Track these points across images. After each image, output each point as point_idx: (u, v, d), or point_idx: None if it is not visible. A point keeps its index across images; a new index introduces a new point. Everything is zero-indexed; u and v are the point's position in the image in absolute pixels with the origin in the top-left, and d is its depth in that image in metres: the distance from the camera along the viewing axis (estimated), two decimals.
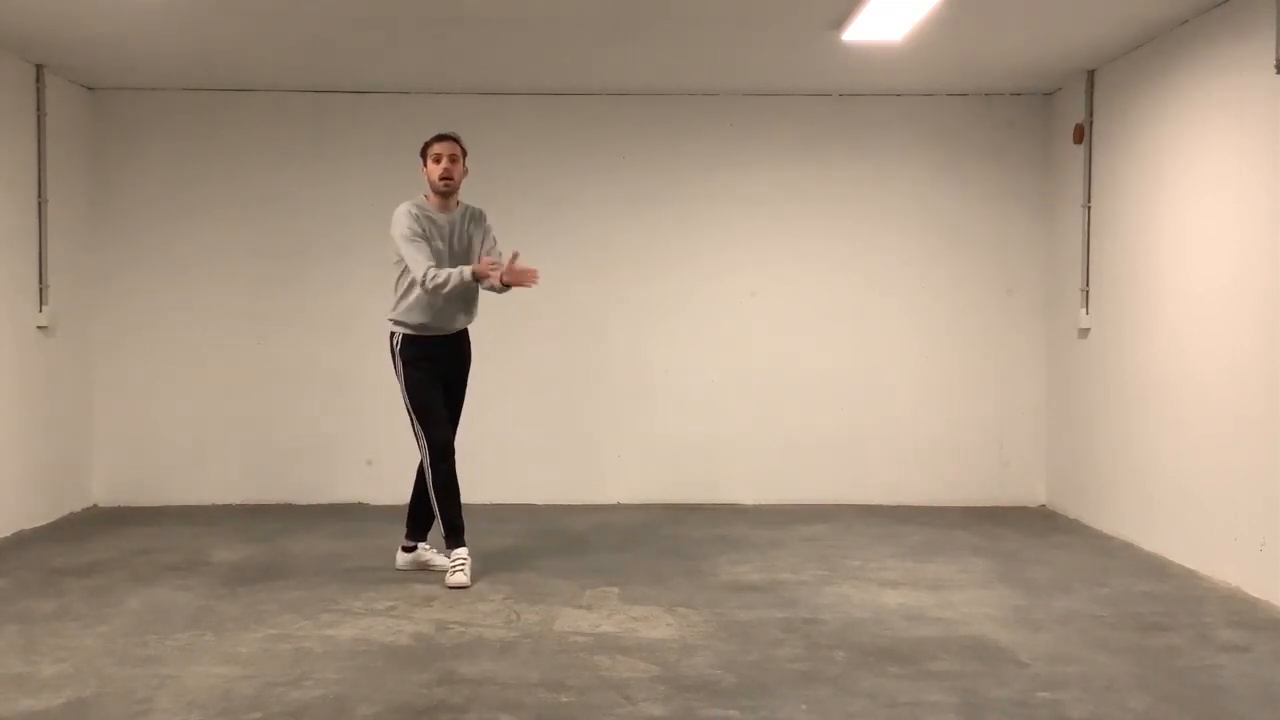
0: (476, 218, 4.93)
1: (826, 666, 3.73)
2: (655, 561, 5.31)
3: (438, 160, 4.80)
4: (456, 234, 4.86)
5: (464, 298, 4.88)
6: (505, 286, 4.72)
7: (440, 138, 4.86)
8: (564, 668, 3.71)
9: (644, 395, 6.94)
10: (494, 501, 6.46)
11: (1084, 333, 6.41)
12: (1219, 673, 3.71)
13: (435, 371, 4.91)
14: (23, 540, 5.80)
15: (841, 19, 5.32)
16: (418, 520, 5.10)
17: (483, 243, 4.90)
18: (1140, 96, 5.79)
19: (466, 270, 4.67)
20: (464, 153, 4.91)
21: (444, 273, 4.66)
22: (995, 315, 6.99)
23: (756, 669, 3.71)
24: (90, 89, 6.76)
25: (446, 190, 4.83)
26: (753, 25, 5.46)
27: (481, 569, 5.12)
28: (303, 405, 6.89)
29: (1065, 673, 3.69)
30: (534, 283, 4.71)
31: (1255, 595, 4.67)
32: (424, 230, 4.77)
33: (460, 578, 4.77)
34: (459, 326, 4.94)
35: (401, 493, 6.79)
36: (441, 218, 4.85)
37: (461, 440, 5.08)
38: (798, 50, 5.91)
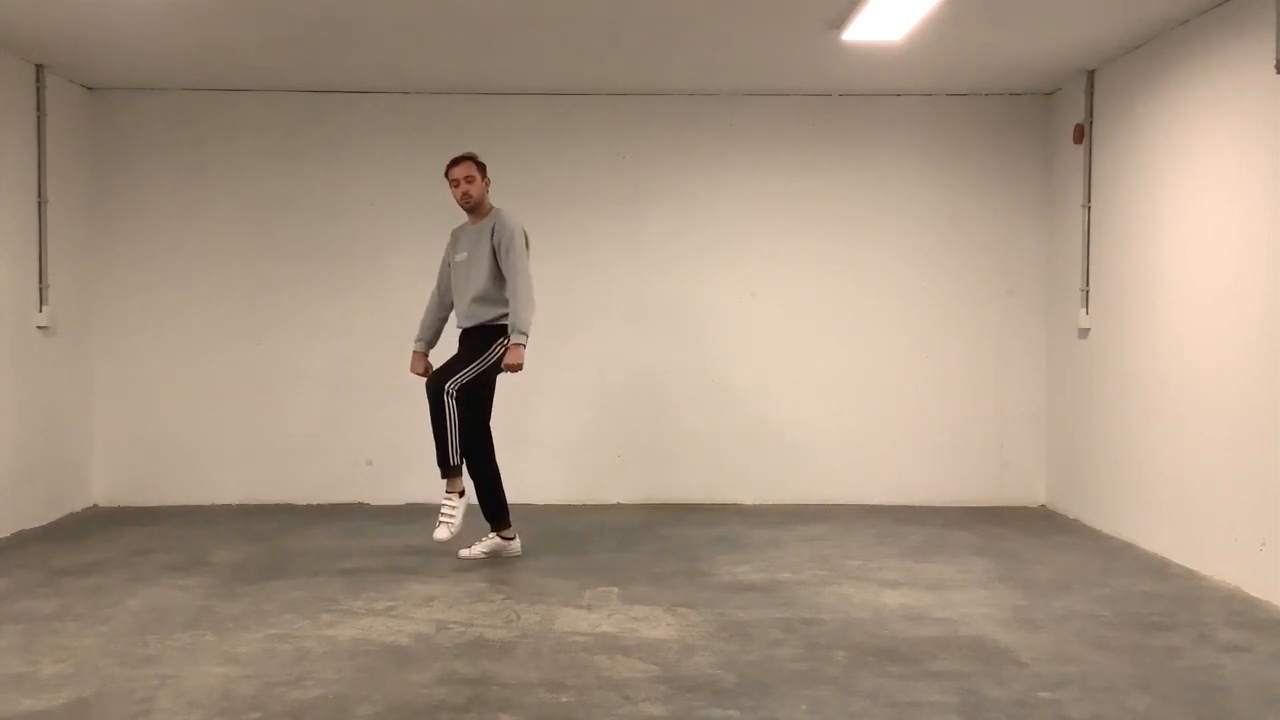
0: (492, 226, 5.22)
1: (826, 666, 3.73)
2: (655, 561, 5.32)
3: (456, 185, 5.24)
4: (483, 243, 5.22)
5: (460, 305, 5.30)
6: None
7: (454, 162, 5.27)
8: (564, 668, 3.71)
9: (644, 395, 6.94)
10: None
11: (1084, 333, 6.41)
12: (1219, 673, 3.71)
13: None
14: (23, 540, 5.80)
15: (841, 19, 5.32)
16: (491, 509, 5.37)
17: (494, 253, 5.19)
18: (1140, 96, 5.79)
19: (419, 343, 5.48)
20: (481, 167, 5.27)
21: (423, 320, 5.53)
22: (995, 315, 6.99)
23: (756, 669, 3.71)
24: (90, 89, 6.76)
25: (468, 208, 5.29)
26: (752, 25, 5.46)
27: (482, 569, 5.14)
28: (303, 405, 6.90)
29: (1065, 673, 3.69)
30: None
31: (1255, 595, 4.67)
32: (449, 251, 5.41)
33: (438, 532, 5.21)
34: (460, 323, 5.35)
35: (401, 492, 6.84)
36: (473, 232, 5.29)
37: None
38: (798, 50, 5.91)
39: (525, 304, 5.08)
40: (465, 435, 5.12)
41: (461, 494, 5.18)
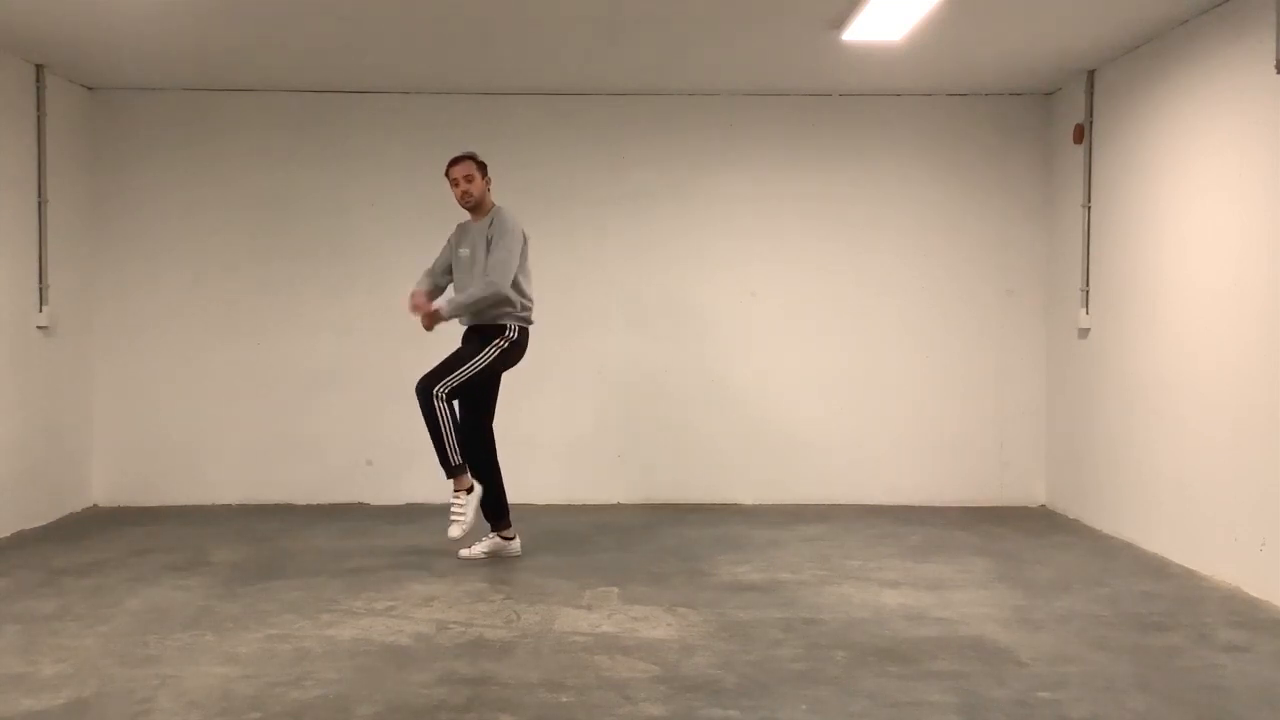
0: (498, 219, 5.22)
1: (826, 666, 3.74)
2: (655, 561, 5.32)
3: (455, 184, 5.25)
4: (481, 240, 5.22)
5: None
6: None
7: (454, 162, 5.27)
8: (564, 668, 3.71)
9: (644, 394, 6.94)
10: None
11: (1084, 333, 6.41)
12: (1219, 673, 3.71)
13: None
14: (23, 540, 5.80)
15: (841, 19, 5.32)
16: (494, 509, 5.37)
17: (489, 247, 5.19)
18: (1140, 96, 5.79)
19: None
20: (482, 165, 5.28)
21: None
22: (995, 315, 6.99)
23: (756, 669, 3.71)
24: (90, 89, 6.76)
25: (468, 207, 5.30)
26: (752, 25, 5.46)
27: (482, 569, 5.14)
28: (303, 405, 6.89)
29: (1065, 673, 3.69)
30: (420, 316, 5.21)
31: (1255, 595, 4.67)
32: (452, 242, 5.39)
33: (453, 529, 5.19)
34: (465, 322, 5.34)
35: (401, 492, 6.84)
36: (474, 229, 5.29)
37: None
38: (798, 50, 5.91)
39: (483, 293, 5.05)
40: (464, 433, 5.12)
41: (470, 490, 5.16)
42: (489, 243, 5.14)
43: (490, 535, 5.35)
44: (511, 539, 5.37)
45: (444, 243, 5.48)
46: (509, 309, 5.15)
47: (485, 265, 5.11)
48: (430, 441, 5.12)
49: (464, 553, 5.31)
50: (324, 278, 6.88)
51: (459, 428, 5.12)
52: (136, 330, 6.85)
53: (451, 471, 5.14)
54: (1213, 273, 5.09)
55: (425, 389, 5.07)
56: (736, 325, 6.96)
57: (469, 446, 5.18)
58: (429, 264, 5.50)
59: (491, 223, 5.18)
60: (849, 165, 6.95)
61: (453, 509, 5.16)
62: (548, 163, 6.88)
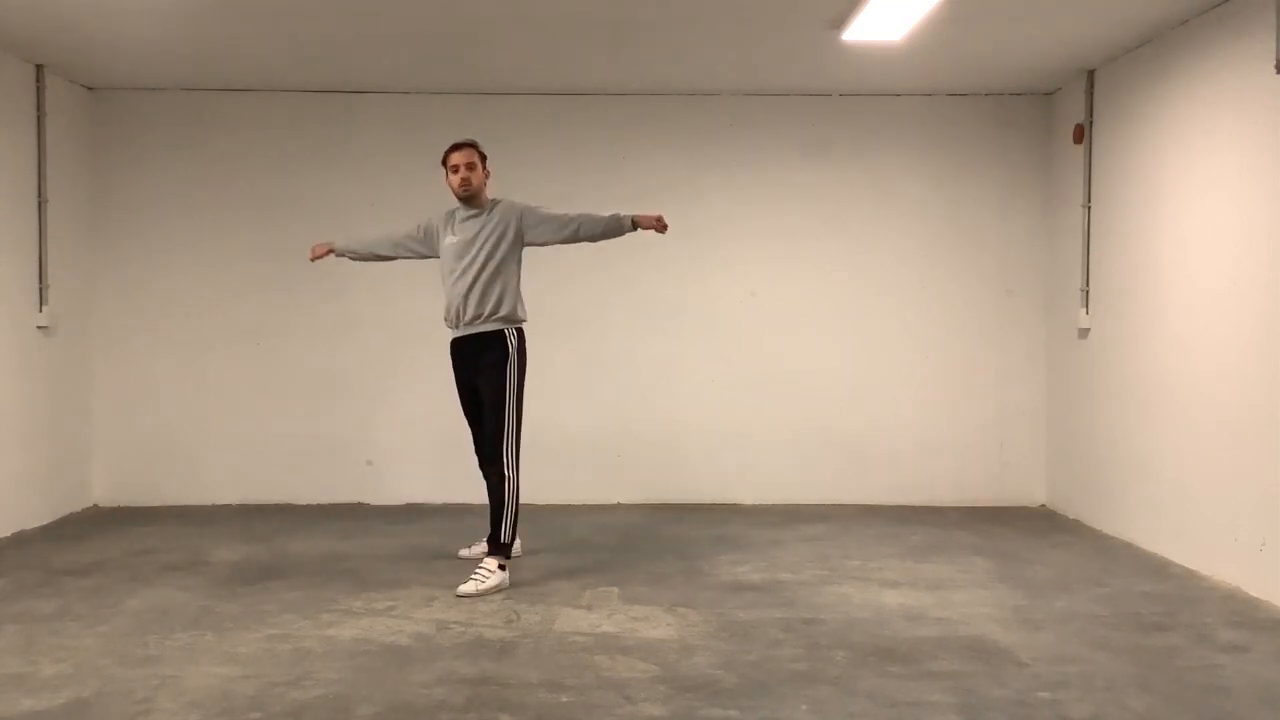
0: (503, 209, 4.97)
1: (826, 666, 3.74)
2: (655, 561, 5.32)
3: (455, 170, 4.94)
4: (483, 231, 4.92)
5: (453, 296, 4.93)
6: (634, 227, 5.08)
7: (455, 147, 4.98)
8: (564, 668, 3.71)
9: (644, 395, 6.94)
10: None
11: (1084, 333, 6.41)
12: (1219, 673, 3.71)
13: (458, 374, 5.06)
14: (23, 540, 5.80)
15: (841, 19, 5.32)
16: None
17: (520, 224, 4.94)
18: (1140, 96, 5.79)
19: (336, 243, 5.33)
20: (483, 156, 5.02)
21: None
22: (995, 315, 6.99)
23: (756, 669, 3.71)
24: (90, 89, 6.76)
25: (466, 196, 4.96)
26: (753, 25, 5.46)
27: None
28: (303, 405, 6.89)
29: (1065, 673, 3.69)
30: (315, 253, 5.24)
31: (1255, 595, 4.67)
32: (436, 228, 5.07)
33: (464, 586, 4.72)
34: (463, 323, 4.93)
35: (401, 492, 6.84)
36: (470, 220, 4.97)
37: (460, 439, 5.17)
38: (798, 50, 5.91)
39: (590, 217, 4.99)
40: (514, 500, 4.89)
41: (503, 567, 4.79)
42: (496, 235, 4.88)
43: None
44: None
45: (423, 225, 5.16)
46: (514, 311, 4.93)
47: (551, 220, 4.95)
48: (489, 511, 4.89)
49: (464, 552, 5.30)
50: (324, 278, 6.85)
51: (518, 506, 4.91)
52: (136, 330, 6.85)
53: (497, 549, 4.83)
54: (1213, 273, 5.09)
55: (498, 469, 4.83)
56: (736, 325, 6.96)
57: (488, 450, 4.94)
58: (414, 259, 5.27)
59: (493, 214, 4.92)
60: (849, 165, 6.95)
61: (477, 570, 4.77)
62: (547, 163, 6.87)
